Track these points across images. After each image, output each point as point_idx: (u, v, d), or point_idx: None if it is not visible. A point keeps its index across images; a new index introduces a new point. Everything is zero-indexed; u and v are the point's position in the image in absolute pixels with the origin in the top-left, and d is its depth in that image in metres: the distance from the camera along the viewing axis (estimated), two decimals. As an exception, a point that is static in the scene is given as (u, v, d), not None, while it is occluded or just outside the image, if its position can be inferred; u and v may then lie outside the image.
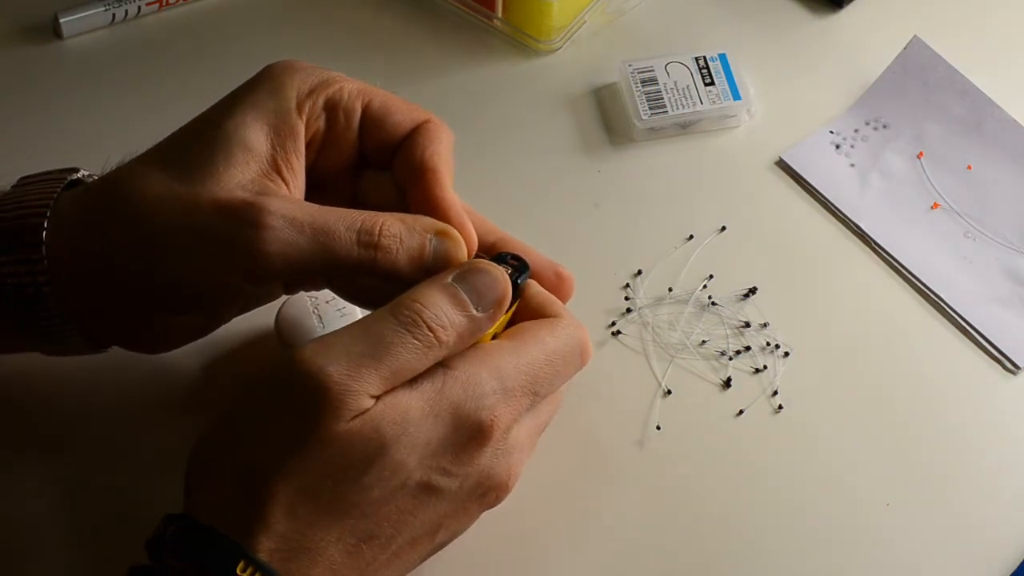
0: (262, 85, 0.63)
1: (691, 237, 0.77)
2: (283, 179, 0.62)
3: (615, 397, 0.71)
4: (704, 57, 0.82)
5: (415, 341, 0.57)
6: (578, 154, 0.80)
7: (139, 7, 0.84)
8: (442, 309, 0.58)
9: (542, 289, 0.64)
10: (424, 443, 0.57)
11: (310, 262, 0.60)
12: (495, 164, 0.79)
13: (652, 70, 0.81)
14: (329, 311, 0.70)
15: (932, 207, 0.78)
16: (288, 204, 0.60)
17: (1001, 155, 0.80)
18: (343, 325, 0.69)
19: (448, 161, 0.65)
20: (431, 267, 0.61)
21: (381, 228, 0.61)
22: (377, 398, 0.56)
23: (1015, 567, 0.66)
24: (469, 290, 0.59)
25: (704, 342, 0.73)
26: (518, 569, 0.65)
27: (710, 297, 0.74)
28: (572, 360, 0.62)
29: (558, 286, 0.65)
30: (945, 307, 0.74)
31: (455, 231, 0.62)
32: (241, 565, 0.54)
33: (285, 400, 0.56)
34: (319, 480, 0.55)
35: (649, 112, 0.80)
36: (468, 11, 0.84)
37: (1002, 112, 0.80)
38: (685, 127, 0.80)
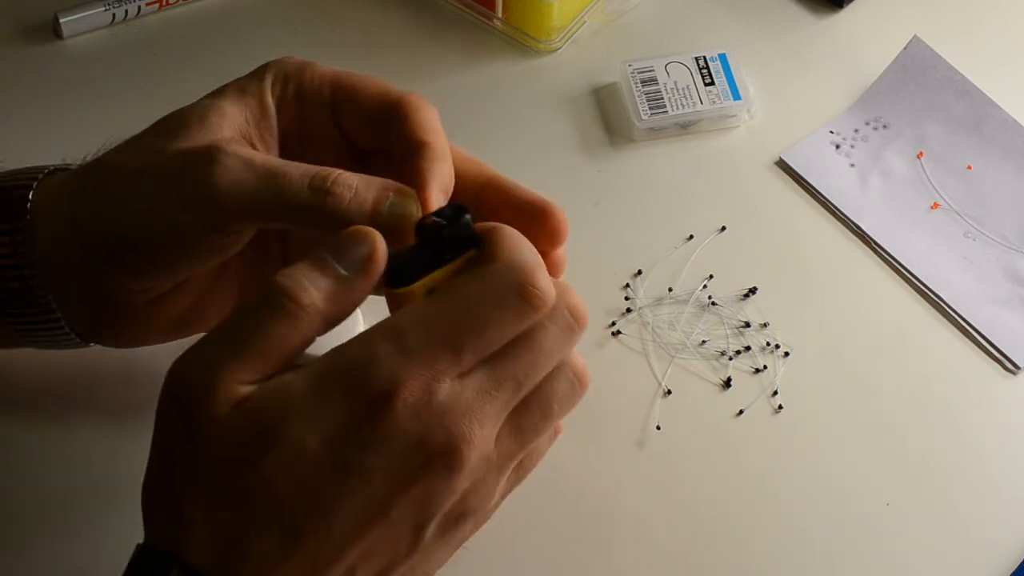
0: (246, 76, 0.64)
1: (691, 237, 0.77)
2: (254, 147, 0.62)
3: (615, 397, 0.71)
4: (704, 57, 0.82)
5: (277, 314, 0.54)
6: (578, 154, 0.80)
7: (139, 7, 0.84)
8: (301, 274, 0.54)
9: (517, 239, 0.57)
10: (320, 419, 0.52)
11: (258, 199, 0.59)
12: (495, 164, 0.79)
13: (652, 70, 0.81)
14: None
15: (932, 207, 0.78)
16: (247, 149, 0.60)
17: (1001, 155, 0.80)
18: (344, 325, 0.69)
19: (435, 129, 0.63)
20: (385, 224, 0.59)
21: (336, 176, 0.59)
22: (256, 384, 0.53)
23: (1015, 567, 0.66)
24: (332, 251, 0.56)
25: (704, 342, 0.73)
26: (518, 568, 0.65)
27: (710, 297, 0.74)
28: (503, 302, 0.54)
29: (541, 226, 0.62)
30: (945, 307, 0.74)
31: (411, 190, 0.60)
32: (175, 572, 0.52)
33: (164, 410, 0.54)
34: (216, 476, 0.53)
35: (649, 112, 0.80)
36: (468, 11, 0.84)
37: (1002, 112, 0.80)
38: (685, 127, 0.80)
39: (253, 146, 0.63)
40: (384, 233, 0.57)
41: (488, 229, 0.57)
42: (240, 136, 0.62)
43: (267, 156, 0.61)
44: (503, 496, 0.59)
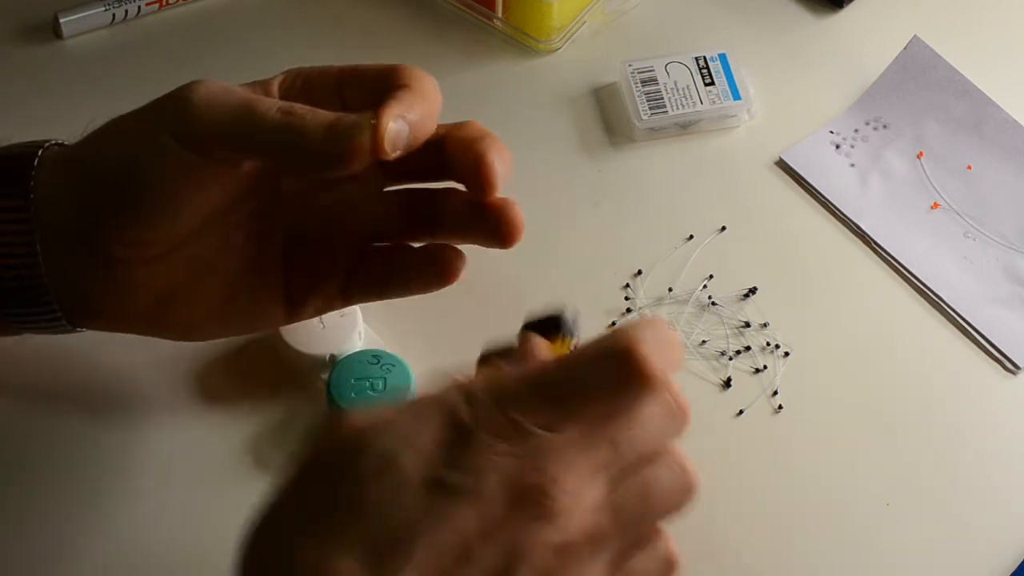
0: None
1: (691, 237, 0.77)
2: None
3: (615, 397, 0.71)
4: (704, 57, 0.82)
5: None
6: (578, 154, 0.80)
7: (139, 7, 0.84)
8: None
9: (645, 323, 0.55)
10: (413, 435, 0.52)
11: (231, 118, 0.61)
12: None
13: (652, 70, 0.81)
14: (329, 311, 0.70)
15: (932, 207, 0.78)
16: (225, 83, 0.63)
17: (1001, 155, 0.80)
18: (344, 326, 0.69)
19: (421, 79, 0.64)
20: (339, 134, 0.61)
21: (300, 105, 0.62)
22: None
23: (1015, 567, 0.66)
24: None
25: (704, 342, 0.73)
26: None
27: (710, 297, 0.74)
28: (605, 362, 0.53)
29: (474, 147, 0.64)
30: (945, 307, 0.74)
31: (368, 113, 0.61)
32: None
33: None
34: (313, 492, 0.52)
35: (649, 112, 0.80)
36: (468, 11, 0.84)
37: (1002, 112, 0.80)
38: (685, 127, 0.80)
39: None
40: (335, 139, 0.60)
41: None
42: None
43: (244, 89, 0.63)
44: None
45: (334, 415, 0.55)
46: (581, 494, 0.52)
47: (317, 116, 0.62)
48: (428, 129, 0.63)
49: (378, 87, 0.64)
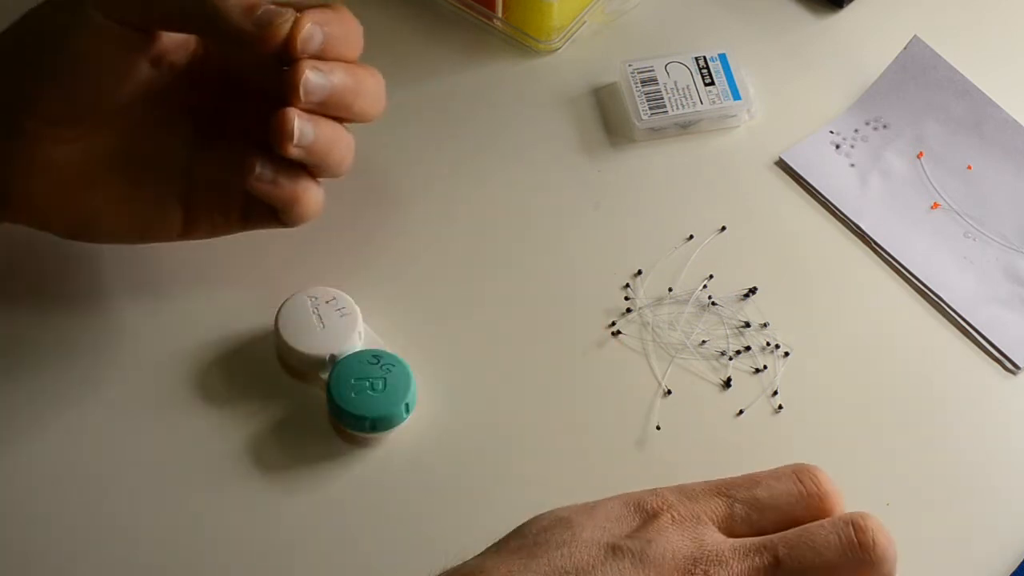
0: None
1: (691, 237, 0.77)
2: None
3: (615, 397, 0.71)
4: (704, 57, 0.82)
5: None
6: (578, 154, 0.80)
7: (139, 7, 0.84)
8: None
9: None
10: (602, 515, 0.58)
11: None
12: (495, 164, 0.79)
13: (652, 70, 0.81)
14: (329, 311, 0.70)
15: (932, 207, 0.78)
16: None
17: (1001, 155, 0.80)
18: (344, 326, 0.69)
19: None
20: (260, 20, 0.63)
21: None
22: None
23: (1015, 567, 0.66)
24: None
25: (704, 342, 0.73)
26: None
27: (710, 297, 0.74)
28: (778, 473, 0.60)
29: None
30: (945, 307, 0.74)
31: (290, 12, 0.64)
32: None
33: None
34: (517, 544, 0.58)
35: (649, 112, 0.80)
36: (468, 11, 0.84)
37: (1002, 112, 0.80)
38: (685, 127, 0.80)
39: None
40: (252, 33, 0.63)
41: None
42: None
43: None
44: None
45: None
46: None
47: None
48: (343, 50, 0.66)
49: None
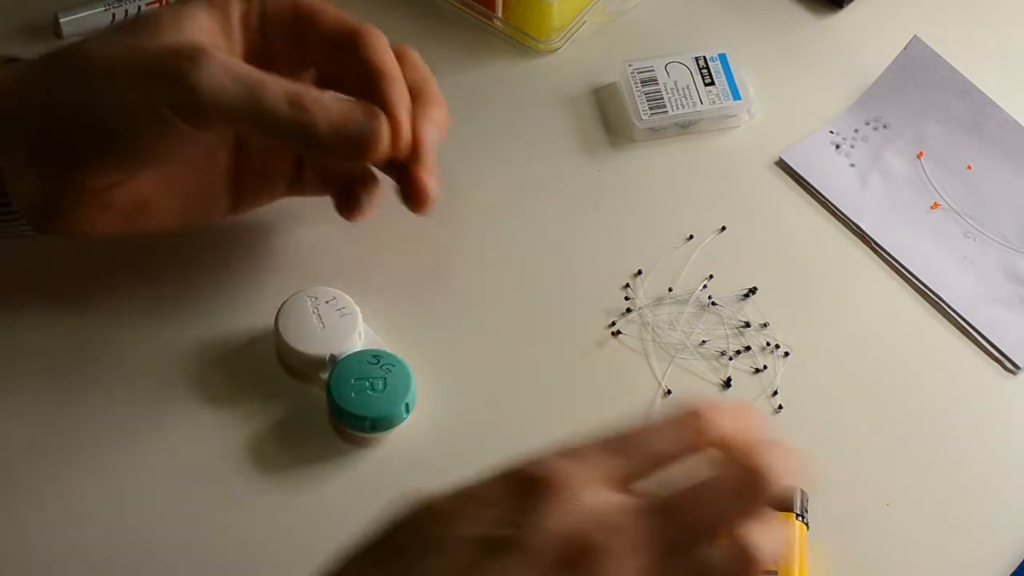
0: None
1: (691, 237, 0.76)
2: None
3: (615, 397, 0.71)
4: (704, 57, 0.82)
5: None
6: (578, 154, 0.80)
7: (139, 7, 0.84)
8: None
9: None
10: (474, 496, 0.53)
11: (238, 105, 0.62)
12: (495, 164, 0.79)
13: (652, 70, 0.81)
14: (329, 311, 0.70)
15: (932, 207, 0.78)
16: (228, 55, 0.63)
17: (1001, 155, 0.80)
18: (344, 326, 0.69)
19: (390, 60, 0.67)
20: (351, 134, 0.63)
21: (313, 94, 0.63)
22: None
23: (1015, 567, 0.66)
24: None
25: (704, 342, 0.73)
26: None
27: (710, 297, 0.74)
28: (662, 420, 0.55)
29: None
30: (945, 307, 0.74)
31: (382, 113, 0.64)
32: None
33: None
34: (374, 548, 0.54)
35: (649, 112, 0.80)
36: (468, 11, 0.84)
37: (1002, 112, 0.80)
38: (685, 127, 0.80)
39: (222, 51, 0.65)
40: (350, 143, 0.63)
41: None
42: (215, 44, 0.64)
43: (248, 65, 0.64)
44: None
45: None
46: (631, 564, 0.51)
47: (327, 113, 0.63)
48: (430, 103, 0.68)
49: (335, 46, 0.67)
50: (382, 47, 0.67)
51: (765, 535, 0.53)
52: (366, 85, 0.66)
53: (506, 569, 0.51)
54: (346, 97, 0.65)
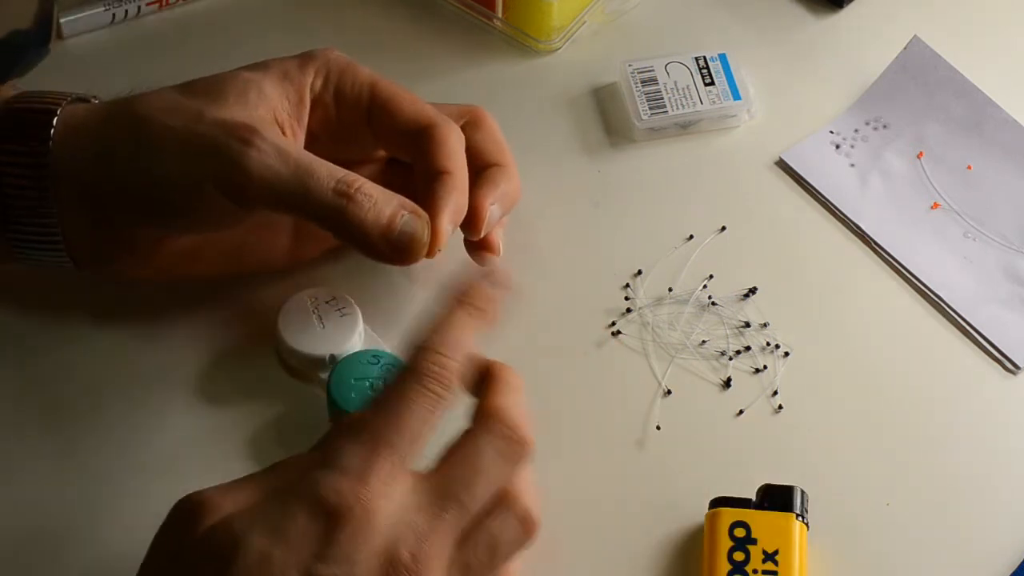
0: (291, 58, 0.67)
1: (691, 237, 0.77)
2: (284, 133, 0.65)
3: (615, 397, 0.71)
4: (704, 57, 0.82)
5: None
6: (578, 154, 0.80)
7: (139, 7, 0.84)
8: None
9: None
10: (282, 529, 0.53)
11: (285, 192, 0.62)
12: (495, 164, 0.79)
13: (652, 70, 0.81)
14: (329, 311, 0.70)
15: (932, 207, 0.78)
16: (281, 138, 0.63)
17: (1001, 155, 0.80)
18: (344, 326, 0.69)
19: (457, 160, 0.67)
20: (396, 240, 0.64)
21: (360, 184, 0.63)
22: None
23: (1015, 567, 0.66)
24: None
25: (704, 342, 0.73)
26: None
27: (710, 297, 0.74)
28: (405, 391, 0.56)
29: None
30: (945, 307, 0.74)
31: (425, 213, 0.65)
32: None
33: (160, 533, 0.56)
34: (195, 556, 0.53)
35: (649, 112, 0.80)
36: (468, 11, 0.84)
37: (1002, 112, 0.80)
38: (685, 127, 0.80)
39: (283, 127, 0.65)
40: (393, 249, 0.64)
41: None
42: (275, 120, 0.65)
43: (300, 149, 0.64)
44: None
45: (185, 499, 0.55)
46: (439, 560, 0.54)
47: (376, 210, 0.64)
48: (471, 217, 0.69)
49: (408, 134, 0.67)
50: (453, 143, 0.67)
51: (528, 493, 0.57)
52: (427, 178, 0.67)
53: None
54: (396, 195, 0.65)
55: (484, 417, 0.57)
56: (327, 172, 0.63)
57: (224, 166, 0.62)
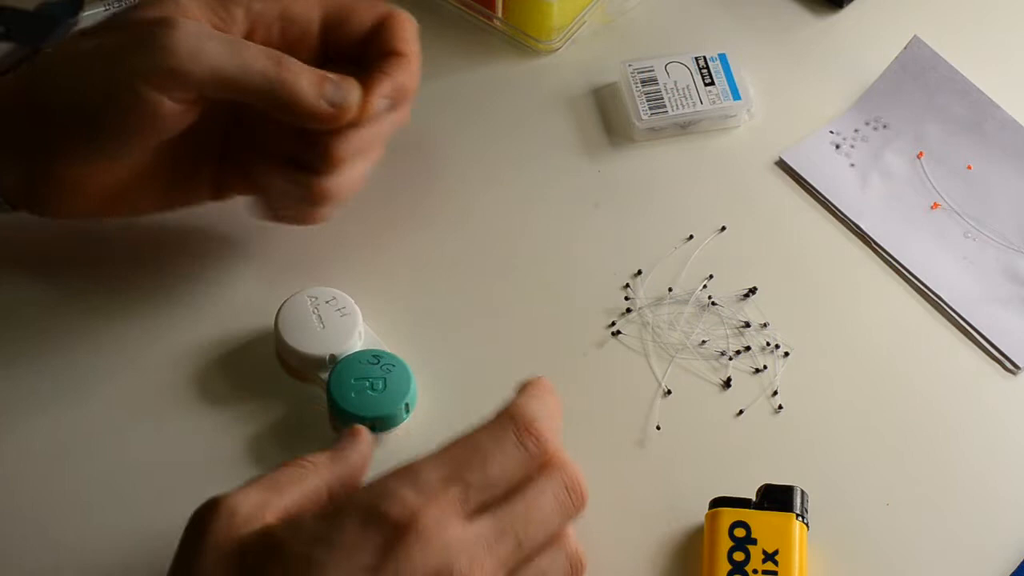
0: None
1: (691, 237, 0.77)
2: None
3: (615, 397, 0.71)
4: (704, 57, 0.82)
5: (294, 467, 0.58)
6: (578, 154, 0.80)
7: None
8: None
9: (531, 395, 0.60)
10: (328, 538, 0.53)
11: (219, 66, 0.62)
12: (495, 164, 0.79)
13: (652, 70, 0.81)
14: (329, 311, 0.70)
15: (932, 207, 0.78)
16: (200, 25, 0.63)
17: (1001, 155, 0.80)
18: (344, 325, 0.69)
19: (412, 46, 0.68)
20: (328, 103, 0.64)
21: (287, 57, 0.64)
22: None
23: (1015, 567, 0.66)
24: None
25: (704, 342, 0.73)
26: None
27: (710, 297, 0.74)
28: (502, 438, 0.57)
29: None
30: (945, 307, 0.74)
31: (356, 83, 0.65)
32: None
33: (189, 532, 0.56)
34: (236, 566, 0.54)
35: (649, 112, 0.80)
36: (468, 11, 0.84)
37: (1002, 112, 0.80)
38: (685, 127, 0.80)
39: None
40: (326, 115, 0.64)
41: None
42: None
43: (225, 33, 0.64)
44: None
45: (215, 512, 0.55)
46: None
47: (307, 73, 0.64)
48: (404, 100, 0.68)
49: (365, 38, 0.67)
50: (409, 30, 0.68)
51: (575, 541, 0.59)
52: (378, 59, 0.67)
53: None
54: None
55: (550, 466, 0.58)
56: (256, 46, 0.64)
57: (153, 55, 0.62)
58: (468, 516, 0.55)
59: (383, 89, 0.67)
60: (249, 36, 0.66)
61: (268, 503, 0.55)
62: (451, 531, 0.54)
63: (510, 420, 0.58)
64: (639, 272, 0.75)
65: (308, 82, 0.64)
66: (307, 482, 0.57)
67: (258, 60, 0.63)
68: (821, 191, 0.78)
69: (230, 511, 0.54)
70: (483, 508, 0.56)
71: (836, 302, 0.75)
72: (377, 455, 0.69)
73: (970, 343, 0.73)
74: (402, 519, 0.53)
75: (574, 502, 0.58)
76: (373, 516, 0.54)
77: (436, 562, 0.53)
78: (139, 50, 0.62)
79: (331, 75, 0.65)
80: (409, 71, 0.68)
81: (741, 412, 0.71)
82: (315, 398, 0.69)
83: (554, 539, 0.58)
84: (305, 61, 0.66)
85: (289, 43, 0.67)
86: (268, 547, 0.53)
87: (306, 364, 0.69)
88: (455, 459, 0.56)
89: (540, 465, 0.57)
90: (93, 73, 0.63)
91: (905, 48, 0.82)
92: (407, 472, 0.55)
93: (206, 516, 0.55)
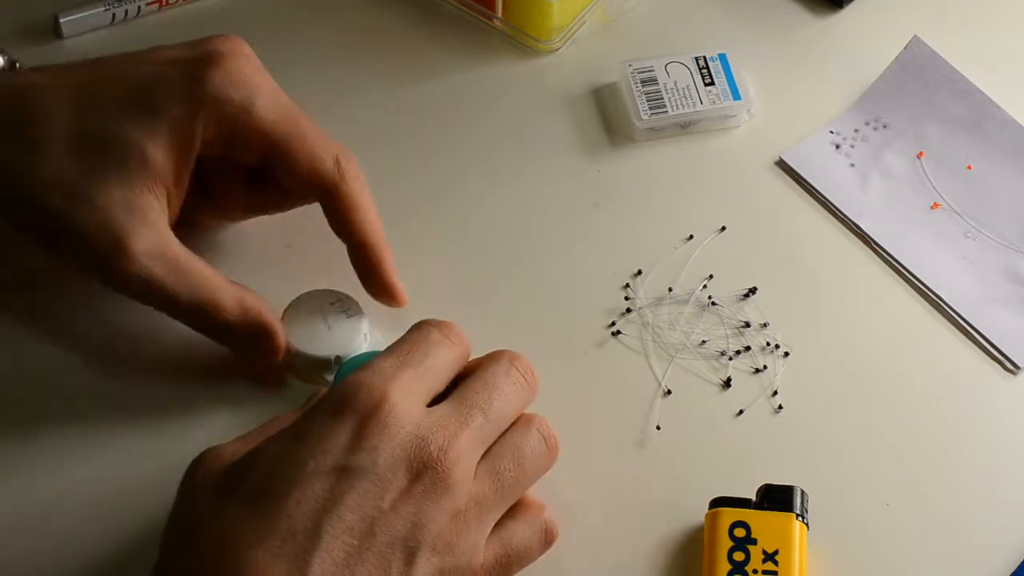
0: (187, 79, 0.66)
1: (691, 237, 0.77)
2: (168, 193, 0.66)
3: (615, 397, 0.71)
4: (704, 57, 0.82)
5: (276, 421, 0.63)
6: (578, 154, 0.80)
7: (139, 7, 0.84)
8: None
9: None
10: (302, 434, 0.58)
11: (160, 298, 0.66)
12: (495, 164, 0.79)
13: (652, 70, 0.81)
14: (335, 313, 0.70)
15: (932, 207, 0.78)
16: (153, 245, 0.65)
17: (1001, 155, 0.80)
18: (350, 327, 0.69)
19: (369, 226, 0.70)
20: (249, 325, 0.67)
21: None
22: None
23: (1015, 567, 0.66)
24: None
25: (704, 342, 0.73)
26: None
27: (710, 297, 0.74)
28: (439, 342, 0.62)
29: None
30: (945, 307, 0.75)
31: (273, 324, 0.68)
32: None
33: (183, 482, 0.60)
34: (222, 484, 0.58)
35: (649, 112, 0.80)
36: (468, 11, 0.84)
37: (1002, 112, 0.80)
38: (685, 127, 0.80)
39: (167, 187, 0.66)
40: (250, 335, 0.67)
41: None
42: (159, 183, 0.66)
43: (174, 261, 0.66)
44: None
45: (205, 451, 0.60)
46: (468, 464, 0.59)
47: (244, 315, 0.68)
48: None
49: (309, 191, 0.69)
50: (361, 207, 0.69)
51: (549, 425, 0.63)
52: (343, 239, 0.70)
53: (363, 493, 0.56)
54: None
55: (496, 353, 0.64)
56: (188, 292, 0.66)
57: (100, 266, 0.65)
58: (427, 401, 0.60)
59: (391, 272, 0.71)
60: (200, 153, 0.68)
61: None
62: (418, 408, 0.59)
63: (441, 324, 0.63)
64: (639, 272, 0.75)
65: (239, 322, 0.67)
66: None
67: (195, 291, 0.66)
68: (821, 191, 0.78)
69: (216, 455, 0.59)
70: (439, 398, 0.61)
71: (836, 302, 0.75)
72: (378, 455, 0.69)
73: (970, 343, 0.74)
74: (371, 401, 0.58)
75: (527, 380, 0.63)
76: (342, 405, 0.58)
77: (410, 435, 0.57)
78: (95, 256, 0.65)
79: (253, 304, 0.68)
80: (379, 257, 0.71)
81: (741, 412, 0.71)
82: (316, 398, 0.69)
83: (523, 419, 0.62)
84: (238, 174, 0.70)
85: (231, 161, 0.69)
86: (248, 457, 0.58)
87: (312, 365, 0.69)
88: (403, 352, 0.61)
89: (486, 357, 0.63)
90: (55, 236, 0.66)
91: (905, 48, 0.83)
92: (364, 368, 0.60)
93: (195, 464, 0.59)
